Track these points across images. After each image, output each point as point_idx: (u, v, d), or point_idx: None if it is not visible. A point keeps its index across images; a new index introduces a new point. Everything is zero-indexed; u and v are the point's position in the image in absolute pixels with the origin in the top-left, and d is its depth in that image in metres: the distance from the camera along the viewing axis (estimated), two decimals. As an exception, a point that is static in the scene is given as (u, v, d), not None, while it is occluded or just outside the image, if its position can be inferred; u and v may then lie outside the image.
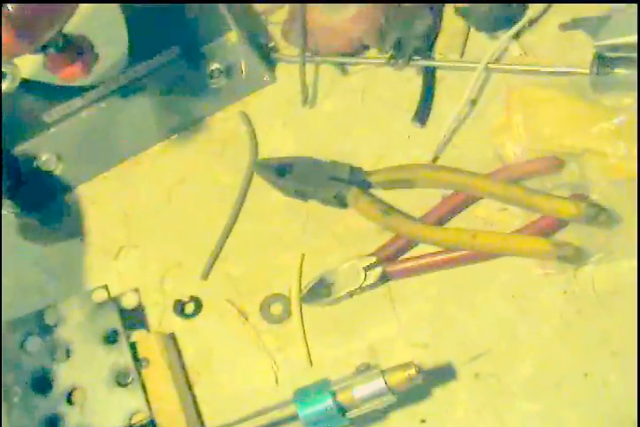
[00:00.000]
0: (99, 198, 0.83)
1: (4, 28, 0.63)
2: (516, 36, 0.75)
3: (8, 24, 0.63)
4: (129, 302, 0.77)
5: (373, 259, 0.70)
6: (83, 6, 0.71)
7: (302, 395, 0.62)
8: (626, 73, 0.68)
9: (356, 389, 0.60)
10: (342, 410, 0.60)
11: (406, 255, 0.70)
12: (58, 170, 0.84)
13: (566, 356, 0.64)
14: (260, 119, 0.81)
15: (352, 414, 0.61)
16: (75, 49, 0.72)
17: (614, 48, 0.69)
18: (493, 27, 0.75)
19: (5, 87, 0.60)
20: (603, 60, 0.69)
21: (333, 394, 0.60)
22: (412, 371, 0.60)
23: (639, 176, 0.65)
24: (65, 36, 0.71)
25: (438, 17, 0.76)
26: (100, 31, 0.76)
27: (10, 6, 0.63)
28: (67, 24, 0.69)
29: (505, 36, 0.74)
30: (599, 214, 0.64)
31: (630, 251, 0.64)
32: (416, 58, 0.76)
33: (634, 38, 0.67)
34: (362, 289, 0.70)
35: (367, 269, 0.70)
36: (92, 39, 0.73)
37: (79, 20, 0.73)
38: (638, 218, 0.64)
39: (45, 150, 0.85)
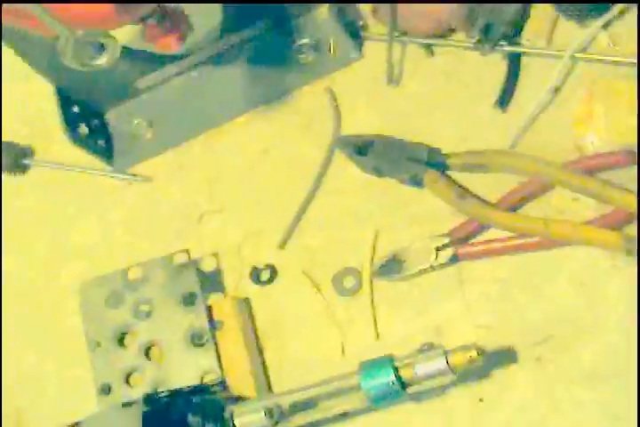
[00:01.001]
0: (185, 164, 0.86)
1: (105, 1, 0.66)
2: (606, 25, 0.74)
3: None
4: (207, 265, 0.80)
5: (446, 240, 0.72)
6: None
7: (367, 368, 0.64)
8: None
9: (419, 366, 0.63)
10: (403, 385, 0.63)
11: (478, 238, 0.72)
12: (148, 134, 0.88)
13: (627, 347, 0.65)
14: (345, 95, 0.82)
15: (412, 389, 0.64)
16: (171, 20, 0.75)
17: None
18: (583, 15, 0.75)
19: (105, 61, 0.63)
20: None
21: (396, 369, 0.63)
22: (474, 353, 0.62)
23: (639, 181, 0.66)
24: (162, 7, 0.73)
25: (528, 4, 0.77)
26: (194, 2, 0.78)
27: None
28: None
29: (594, 25, 0.74)
30: (669, 209, 0.65)
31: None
32: (503, 43, 0.77)
33: None
34: (432, 268, 0.72)
35: (439, 249, 0.72)
36: (186, 10, 0.76)
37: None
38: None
39: (137, 115, 0.88)
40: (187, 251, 0.79)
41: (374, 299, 0.74)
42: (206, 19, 0.82)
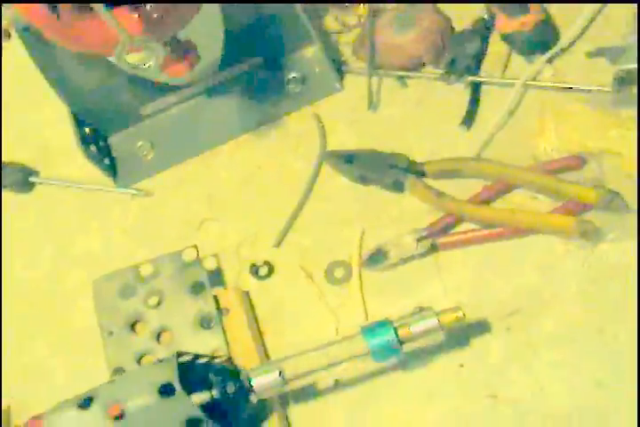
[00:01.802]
0: (184, 179, 0.97)
1: (136, 23, 0.77)
2: (550, 60, 0.90)
3: (141, 20, 0.77)
4: (209, 264, 0.90)
5: (425, 232, 0.84)
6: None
7: (369, 329, 0.75)
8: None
9: (414, 325, 0.74)
10: (401, 342, 0.74)
11: (453, 231, 0.85)
12: (150, 155, 0.99)
13: (583, 316, 0.78)
14: (330, 120, 0.95)
15: (408, 347, 0.74)
16: (183, 49, 0.86)
17: (631, 72, 0.85)
18: (531, 51, 0.91)
19: (152, 64, 0.74)
20: (621, 81, 0.84)
21: (395, 329, 0.74)
22: (460, 313, 0.74)
23: (639, 176, 0.80)
24: (176, 36, 0.85)
25: (486, 41, 0.92)
26: (201, 35, 0.90)
27: (147, 5, 0.77)
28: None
29: (540, 59, 0.90)
30: (614, 199, 0.79)
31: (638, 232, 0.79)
32: (466, 75, 0.91)
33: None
34: (413, 257, 0.84)
35: (419, 240, 0.84)
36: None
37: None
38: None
39: (140, 138, 0.99)
40: (195, 246, 0.88)
41: (363, 286, 0.85)
42: (210, 51, 0.94)
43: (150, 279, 0.88)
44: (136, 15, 0.74)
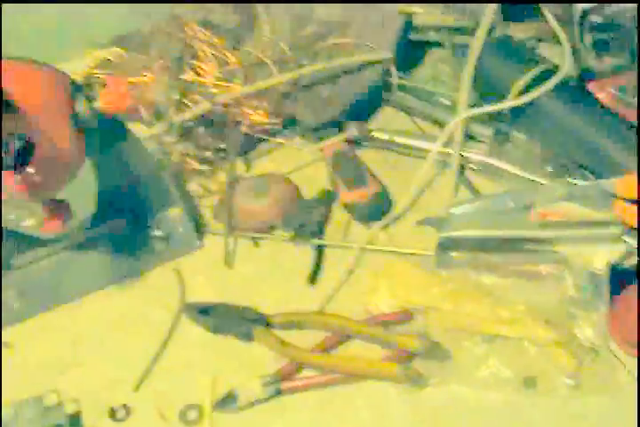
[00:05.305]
0: (50, 326, 1.03)
1: (19, 185, 0.86)
2: (384, 227, 1.04)
3: (23, 182, 0.86)
4: (69, 409, 0.95)
5: (271, 378, 0.93)
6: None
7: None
8: (457, 255, 0.98)
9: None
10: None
11: (296, 377, 0.94)
12: (17, 304, 1.05)
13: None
14: (190, 274, 1.05)
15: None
16: (58, 208, 0.95)
17: (450, 239, 0.99)
18: (368, 220, 1.05)
19: (31, 224, 0.83)
20: (442, 246, 0.99)
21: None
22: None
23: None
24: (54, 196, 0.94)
25: (329, 209, 1.06)
26: (75, 195, 0.96)
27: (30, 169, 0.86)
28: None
29: (375, 226, 1.04)
30: (434, 347, 0.91)
31: (456, 377, 0.91)
32: (312, 238, 1.04)
33: (467, 233, 0.98)
34: (261, 401, 0.93)
35: (265, 385, 0.92)
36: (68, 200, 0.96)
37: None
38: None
39: (9, 287, 1.05)
40: (56, 391, 0.94)
41: (214, 427, 0.93)
42: (82, 210, 1.04)
43: (10, 424, 0.92)
44: (19, 178, 0.83)
